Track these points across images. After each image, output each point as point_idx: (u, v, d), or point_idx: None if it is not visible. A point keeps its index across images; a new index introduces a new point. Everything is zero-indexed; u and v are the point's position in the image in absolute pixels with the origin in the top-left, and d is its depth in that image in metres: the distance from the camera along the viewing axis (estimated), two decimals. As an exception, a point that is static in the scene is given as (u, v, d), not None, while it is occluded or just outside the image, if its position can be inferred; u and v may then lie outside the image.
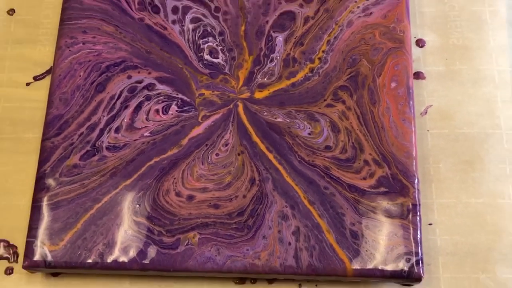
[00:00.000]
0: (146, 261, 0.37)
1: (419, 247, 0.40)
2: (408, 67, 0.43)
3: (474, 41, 0.46)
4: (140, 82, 0.43)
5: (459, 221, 0.40)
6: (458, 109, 0.44)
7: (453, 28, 0.46)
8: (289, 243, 0.40)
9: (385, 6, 0.45)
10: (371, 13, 0.45)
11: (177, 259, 0.38)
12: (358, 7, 0.45)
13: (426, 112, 0.44)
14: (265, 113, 0.43)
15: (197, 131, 0.43)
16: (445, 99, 0.45)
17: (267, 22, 0.45)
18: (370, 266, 0.39)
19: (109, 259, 0.36)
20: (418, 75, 0.45)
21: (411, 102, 0.43)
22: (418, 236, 0.40)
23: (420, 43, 0.47)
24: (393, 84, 0.43)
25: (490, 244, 0.39)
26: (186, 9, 0.46)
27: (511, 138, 0.41)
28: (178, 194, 0.41)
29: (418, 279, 0.39)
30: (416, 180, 0.41)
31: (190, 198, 0.41)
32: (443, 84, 0.45)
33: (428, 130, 0.44)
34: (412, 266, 0.39)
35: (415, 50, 0.46)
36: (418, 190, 0.41)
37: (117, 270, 0.37)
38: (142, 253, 0.37)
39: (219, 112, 0.43)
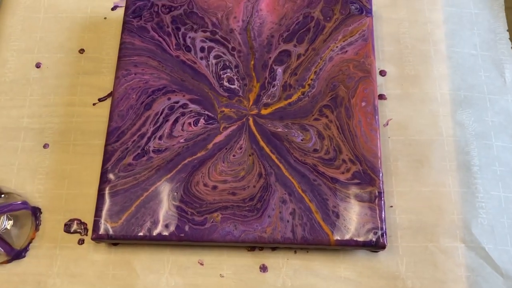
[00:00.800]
0: (182, 234, 0.37)
1: (383, 223, 0.40)
2: (374, 91, 0.43)
3: (422, 71, 0.46)
4: (177, 102, 0.43)
5: (412, 204, 0.40)
6: (411, 121, 0.44)
7: (407, 62, 0.46)
8: (288, 221, 0.40)
9: (357, 46, 0.45)
10: (346, 51, 0.45)
11: (205, 233, 0.38)
12: (337, 46, 0.45)
13: (387, 124, 0.44)
14: (269, 125, 0.43)
15: (219, 138, 0.43)
16: (402, 114, 0.45)
17: (270, 58, 0.46)
18: (347, 237, 0.39)
19: (155, 233, 0.36)
20: (381, 97, 0.45)
21: (376, 117, 0.43)
22: (383, 215, 0.40)
23: (382, 73, 0.47)
24: (363, 103, 0.43)
25: (435, 221, 0.38)
26: (210, 49, 0.46)
27: (450, 143, 0.41)
28: (205, 185, 0.41)
29: (383, 247, 0.39)
30: (380, 174, 0.41)
31: (214, 187, 0.41)
32: (400, 103, 0.45)
33: (389, 137, 0.44)
34: (378, 238, 0.39)
35: (379, 78, 0.45)
36: (382, 181, 0.41)
37: (161, 241, 0.36)
38: (179, 228, 0.37)
39: (235, 124, 0.43)
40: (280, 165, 0.42)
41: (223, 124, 0.43)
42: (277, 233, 0.40)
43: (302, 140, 0.43)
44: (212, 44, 0.46)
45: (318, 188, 0.41)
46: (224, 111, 0.44)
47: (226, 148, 0.43)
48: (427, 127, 0.42)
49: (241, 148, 0.43)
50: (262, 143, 0.43)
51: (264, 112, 0.44)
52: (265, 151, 0.42)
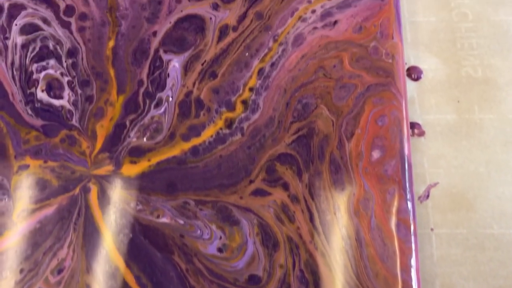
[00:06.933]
0: None
1: None
2: (401, 120, 0.19)
3: (502, 69, 0.21)
4: None
5: None
6: (483, 190, 0.19)
7: (467, 50, 0.22)
8: None
9: (360, 11, 0.20)
10: (335, 22, 0.20)
11: None
12: (313, 11, 0.20)
13: (427, 196, 0.20)
14: (139, 206, 0.18)
15: (6, 240, 0.18)
16: (460, 170, 0.20)
17: (154, 34, 0.20)
18: None
19: None
20: (414, 129, 0.20)
21: (408, 186, 0.19)
22: None
23: (414, 73, 0.22)
24: (375, 154, 0.17)
25: None
26: (15, 10, 0.21)
27: None
28: None
29: None
30: None
31: None
32: (455, 143, 0.20)
33: (432, 229, 0.19)
34: None
35: (408, 85, 0.22)
36: None
37: None
38: None
39: (52, 203, 0.17)
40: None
41: (22, 202, 0.17)
42: None
43: (220, 249, 0.16)
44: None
45: None
46: (29, 166, 0.19)
47: (22, 271, 0.16)
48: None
49: (60, 272, 0.17)
50: (115, 258, 0.16)
51: (129, 171, 0.17)
52: (121, 280, 0.16)
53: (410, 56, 0.21)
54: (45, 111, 0.18)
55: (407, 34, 0.22)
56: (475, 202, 0.19)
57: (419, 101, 0.21)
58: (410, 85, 0.21)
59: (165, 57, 0.19)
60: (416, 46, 0.22)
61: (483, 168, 0.20)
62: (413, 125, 0.20)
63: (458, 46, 0.22)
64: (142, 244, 0.17)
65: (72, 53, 0.19)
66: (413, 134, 0.20)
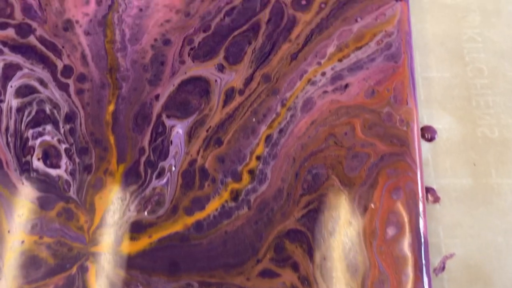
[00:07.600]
0: None
1: None
2: (417, 193, 0.18)
3: None
4: None
5: None
6: (501, 258, 0.18)
7: (483, 108, 0.21)
8: None
9: (373, 73, 0.19)
10: (346, 85, 0.19)
11: None
12: (323, 73, 0.20)
13: (443, 268, 0.19)
14: (140, 287, 0.18)
15: None
16: (477, 240, 0.19)
17: (157, 97, 0.20)
18: None
19: None
20: (429, 195, 0.20)
21: (424, 268, 0.17)
22: None
23: (427, 133, 0.22)
24: (390, 231, 0.17)
25: None
26: (10, 70, 0.20)
27: None
28: None
29: None
30: None
31: None
32: (472, 210, 0.19)
33: None
34: None
35: (423, 146, 0.21)
36: None
37: None
38: None
39: (48, 283, 0.16)
40: None
41: (16, 282, 0.16)
42: None
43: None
44: (16, 58, 0.19)
45: None
46: (24, 241, 0.18)
47: None
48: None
49: None
50: None
51: (129, 248, 0.16)
52: None
53: (424, 114, 0.21)
54: (41, 181, 0.17)
55: (420, 91, 0.21)
56: (493, 275, 0.18)
57: (434, 164, 0.20)
58: (424, 146, 0.20)
59: (168, 122, 0.18)
60: (429, 103, 0.21)
61: (501, 237, 0.19)
62: (427, 190, 0.19)
63: (473, 104, 0.21)
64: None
65: (70, 118, 0.18)
66: (427, 200, 0.19)
